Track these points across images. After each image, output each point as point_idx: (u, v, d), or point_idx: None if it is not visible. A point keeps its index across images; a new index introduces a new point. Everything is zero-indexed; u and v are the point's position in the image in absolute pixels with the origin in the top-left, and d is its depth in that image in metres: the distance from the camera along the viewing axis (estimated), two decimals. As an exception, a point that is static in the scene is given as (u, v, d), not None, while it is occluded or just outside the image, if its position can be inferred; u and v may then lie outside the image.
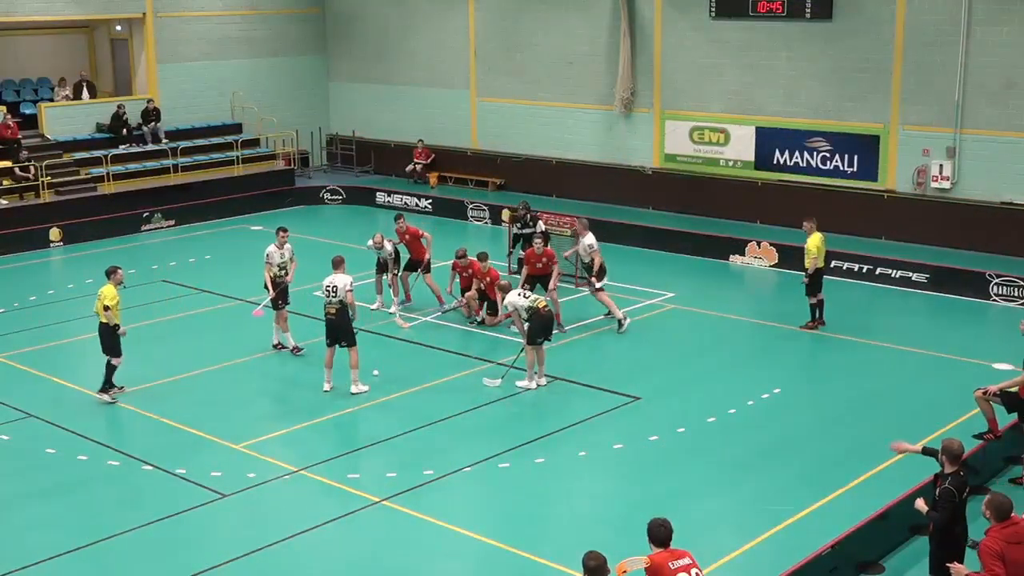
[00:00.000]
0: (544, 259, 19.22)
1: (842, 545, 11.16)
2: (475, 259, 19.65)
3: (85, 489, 13.67)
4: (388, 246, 20.54)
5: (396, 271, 20.61)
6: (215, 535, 12.56)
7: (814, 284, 19.08)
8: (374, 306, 20.58)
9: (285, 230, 18.40)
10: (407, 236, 20.56)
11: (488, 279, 19.55)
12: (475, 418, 15.71)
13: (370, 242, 20.61)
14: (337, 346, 16.41)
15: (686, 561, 8.56)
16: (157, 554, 12.08)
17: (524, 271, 19.42)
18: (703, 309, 20.78)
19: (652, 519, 8.75)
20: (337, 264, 16.59)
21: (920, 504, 10.20)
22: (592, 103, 29.09)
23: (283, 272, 18.13)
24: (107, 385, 16.36)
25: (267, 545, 12.12)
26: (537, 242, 19.48)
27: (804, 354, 18.42)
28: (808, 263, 18.97)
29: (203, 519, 12.85)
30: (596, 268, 19.41)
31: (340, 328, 16.25)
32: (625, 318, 19.40)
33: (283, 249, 18.14)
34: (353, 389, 16.42)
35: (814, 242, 18.98)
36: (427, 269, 20.57)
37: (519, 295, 16.92)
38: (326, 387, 16.53)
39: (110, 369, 16.35)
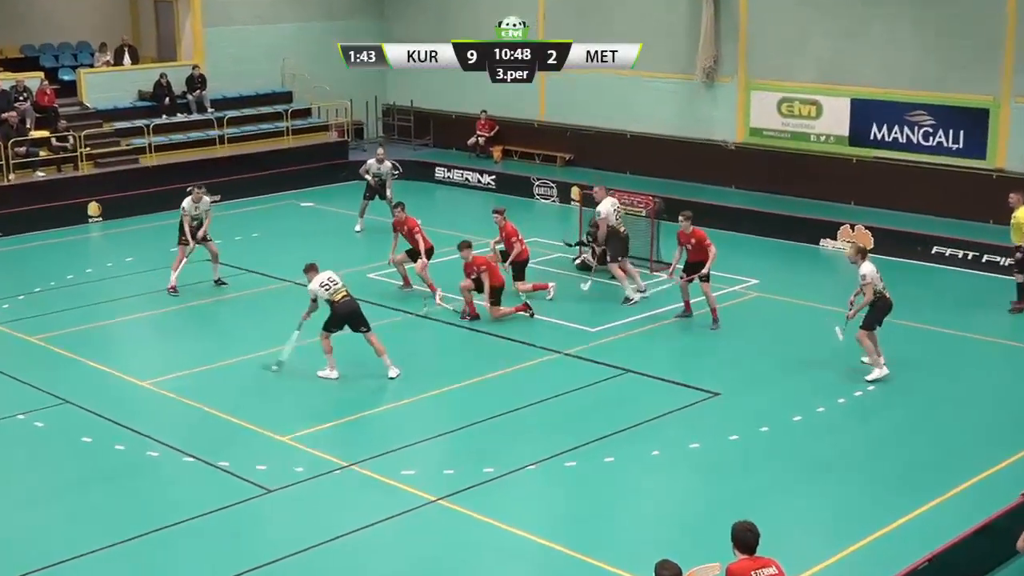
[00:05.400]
0: (694, 240, 18.65)
1: (941, 559, 11.00)
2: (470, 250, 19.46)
3: (122, 481, 13.85)
4: (388, 164, 23.62)
5: (391, 196, 23.96)
6: (260, 533, 12.67)
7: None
8: (357, 228, 24.57)
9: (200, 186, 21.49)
10: (404, 228, 20.59)
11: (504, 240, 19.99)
12: (539, 412, 15.71)
13: (371, 160, 23.91)
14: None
15: (772, 571, 8.46)
16: (199, 551, 12.21)
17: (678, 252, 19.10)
18: (790, 298, 20.59)
19: (737, 522, 8.66)
20: (314, 267, 16.98)
21: (1021, 545, 10.03)
22: (671, 72, 28.88)
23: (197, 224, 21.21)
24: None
25: (315, 545, 12.20)
26: (682, 220, 18.80)
27: (902, 347, 18.13)
28: (1019, 238, 19.35)
29: (247, 515, 12.98)
30: (600, 238, 20.30)
31: (357, 310, 16.72)
32: (634, 295, 19.96)
33: (199, 204, 21.22)
34: (392, 373, 16.78)
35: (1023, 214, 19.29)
36: (428, 256, 20.47)
37: (613, 206, 19.78)
38: (335, 375, 16.77)
39: None
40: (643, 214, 22.57)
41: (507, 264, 20.17)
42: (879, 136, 25.80)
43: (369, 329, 16.80)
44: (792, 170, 26.93)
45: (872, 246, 23.42)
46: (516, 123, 32.14)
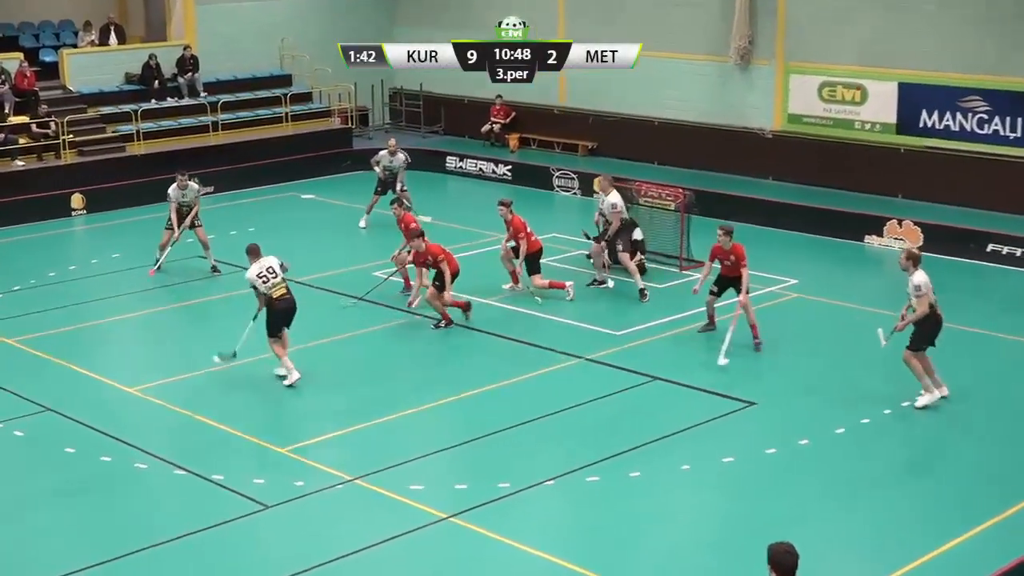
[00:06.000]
0: (732, 256, 18.13)
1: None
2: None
3: (107, 495, 13.89)
4: (401, 156, 24.43)
5: (405, 188, 24.64)
6: (256, 552, 12.70)
7: None
8: (362, 224, 25.16)
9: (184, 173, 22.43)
10: (401, 225, 20.68)
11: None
12: (559, 422, 15.71)
13: (383, 151, 24.59)
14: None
15: (810, 597, 8.46)
16: (190, 572, 12.23)
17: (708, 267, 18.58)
18: (832, 299, 20.56)
19: (775, 544, 8.64)
20: (256, 251, 16.96)
21: None
22: (702, 53, 28.86)
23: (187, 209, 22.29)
24: None
25: (316, 565, 12.22)
26: (721, 236, 18.13)
27: (955, 354, 18.07)
28: None
29: (243, 533, 13.00)
30: (611, 231, 20.60)
31: (295, 308, 16.85)
32: (646, 291, 20.29)
33: (185, 190, 22.23)
34: (285, 375, 16.88)
35: None
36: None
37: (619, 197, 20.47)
38: (295, 376, 16.76)
39: None
40: (672, 208, 22.56)
41: (519, 261, 20.22)
42: (929, 123, 25.72)
43: (288, 327, 16.97)
44: (834, 160, 26.87)
45: (921, 243, 23.41)
46: (534, 109, 32.14)
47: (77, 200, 27.34)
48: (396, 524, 13.06)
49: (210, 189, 28.84)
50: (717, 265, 18.35)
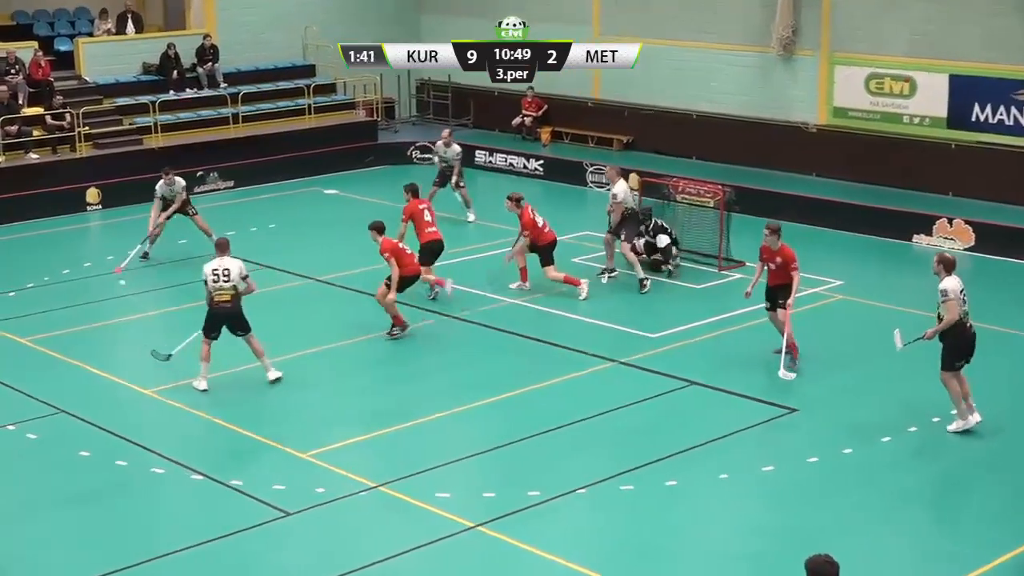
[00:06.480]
0: (779, 259, 17.39)
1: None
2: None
3: (123, 500, 13.99)
4: (456, 147, 24.99)
5: (462, 183, 25.33)
6: (276, 560, 12.74)
7: None
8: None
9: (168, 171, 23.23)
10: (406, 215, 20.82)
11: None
12: (592, 428, 15.72)
13: (439, 142, 25.18)
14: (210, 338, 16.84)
15: (851, 612, 8.45)
16: (207, 581, 12.34)
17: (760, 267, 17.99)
18: (878, 301, 20.49)
19: (813, 556, 8.65)
20: (223, 247, 16.93)
21: None
22: (742, 44, 28.81)
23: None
24: None
25: (338, 575, 12.26)
26: (768, 235, 17.38)
27: (1010, 360, 18.02)
28: None
29: (262, 541, 13.05)
30: (613, 222, 20.90)
31: (235, 317, 16.79)
32: (646, 282, 20.67)
33: (172, 186, 23.11)
34: (271, 376, 17.01)
35: None
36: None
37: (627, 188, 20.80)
38: (203, 386, 16.80)
39: None
40: (711, 205, 22.54)
41: (511, 254, 20.74)
42: (981, 118, 25.60)
43: (248, 332, 16.92)
44: (881, 156, 26.77)
45: (973, 243, 23.32)
46: (567, 102, 32.14)
47: (93, 194, 27.51)
48: (421, 533, 13.09)
49: (230, 184, 29.00)
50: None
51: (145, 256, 22.94)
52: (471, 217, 25.73)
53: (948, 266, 15.22)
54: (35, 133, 27.92)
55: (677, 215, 22.69)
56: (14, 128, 27.36)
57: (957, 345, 15.16)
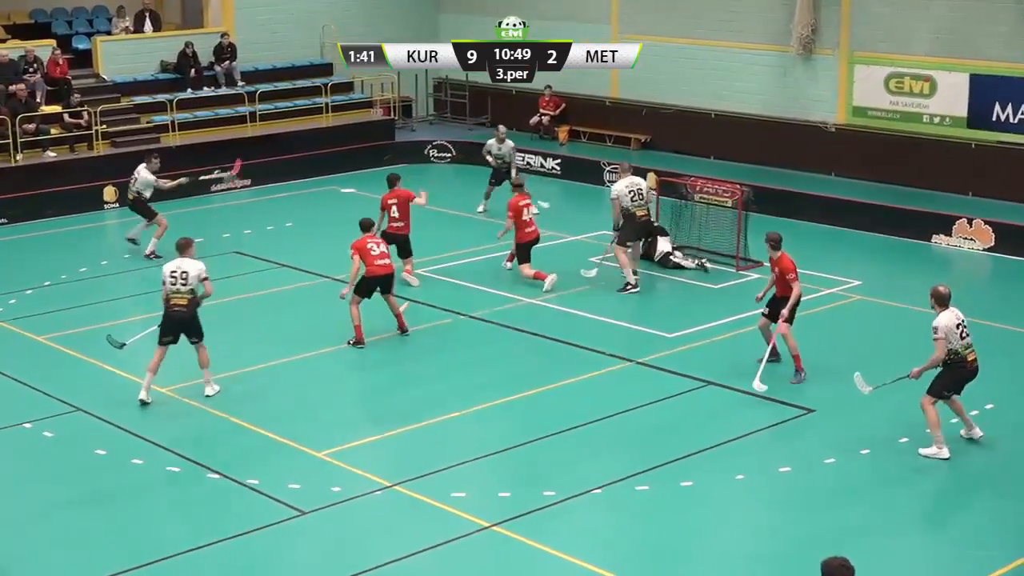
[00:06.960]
0: (777, 270, 17.09)
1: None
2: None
3: (139, 499, 14.05)
4: (510, 143, 25.47)
5: (518, 177, 24.56)
6: (291, 559, 12.78)
7: None
8: (480, 208, 26.15)
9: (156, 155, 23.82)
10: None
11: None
12: (608, 429, 15.73)
13: (491, 140, 25.59)
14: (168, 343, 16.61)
15: (866, 615, 8.43)
16: (222, 580, 12.38)
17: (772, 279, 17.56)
18: (897, 302, 20.46)
19: (829, 559, 8.65)
20: (184, 247, 16.65)
21: None
22: (762, 42, 28.78)
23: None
24: None
25: (354, 574, 12.28)
26: (767, 245, 17.28)
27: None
28: None
29: (278, 540, 13.09)
30: (614, 222, 20.92)
31: (189, 322, 16.47)
32: (636, 286, 20.60)
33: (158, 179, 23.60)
34: (209, 391, 16.71)
35: None
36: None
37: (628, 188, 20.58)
38: (145, 396, 16.49)
39: None
40: (729, 205, 22.52)
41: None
42: (1002, 117, 25.54)
43: (200, 339, 16.62)
44: (901, 156, 26.72)
45: (992, 243, 23.25)
46: (585, 100, 32.15)
47: (110, 193, 27.60)
48: (437, 532, 13.12)
49: (247, 182, 29.05)
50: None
51: (155, 256, 22.89)
52: (481, 208, 26.22)
53: (940, 300, 14.64)
54: (53, 131, 28.01)
55: (695, 214, 22.67)
56: (32, 126, 27.45)
57: (954, 378, 14.81)
